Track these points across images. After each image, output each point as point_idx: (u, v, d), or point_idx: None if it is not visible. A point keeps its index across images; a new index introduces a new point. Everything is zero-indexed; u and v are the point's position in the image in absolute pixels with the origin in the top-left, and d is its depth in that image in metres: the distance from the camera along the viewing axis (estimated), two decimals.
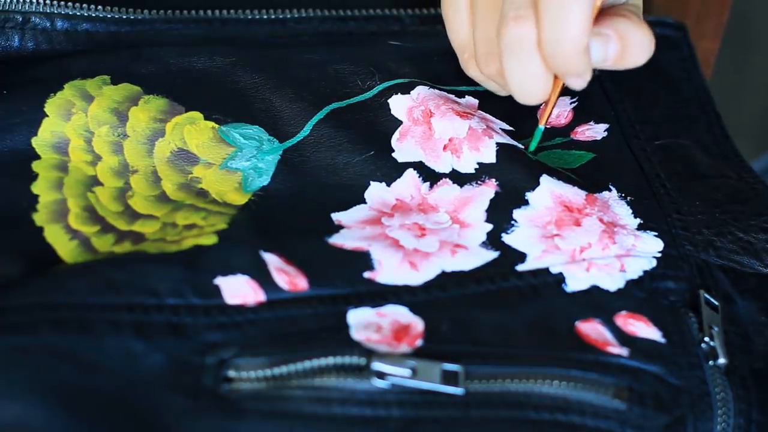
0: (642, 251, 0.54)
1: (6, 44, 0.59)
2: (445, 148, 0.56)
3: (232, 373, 0.47)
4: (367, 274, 0.51)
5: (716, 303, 0.53)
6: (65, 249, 0.51)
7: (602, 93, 0.62)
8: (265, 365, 0.48)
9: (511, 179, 0.55)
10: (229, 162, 0.56)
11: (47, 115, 0.55)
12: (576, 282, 0.52)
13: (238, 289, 0.49)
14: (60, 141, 0.55)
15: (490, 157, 0.56)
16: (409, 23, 0.63)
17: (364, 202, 0.55)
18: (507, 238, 0.54)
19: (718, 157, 0.60)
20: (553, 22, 0.49)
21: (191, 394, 0.47)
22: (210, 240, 0.51)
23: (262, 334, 0.49)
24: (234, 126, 0.57)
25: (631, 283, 0.53)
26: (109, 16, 0.60)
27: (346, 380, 0.48)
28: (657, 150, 0.59)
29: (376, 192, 0.55)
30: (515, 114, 0.59)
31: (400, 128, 0.57)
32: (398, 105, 0.58)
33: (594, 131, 0.59)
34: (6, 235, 0.51)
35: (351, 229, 0.53)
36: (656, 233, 0.55)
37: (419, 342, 0.49)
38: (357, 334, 0.49)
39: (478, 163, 0.56)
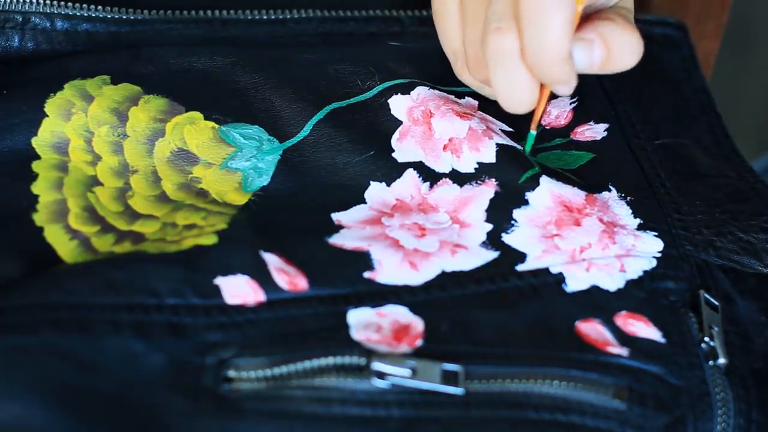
0: (642, 251, 0.54)
1: (6, 44, 0.59)
2: (445, 148, 0.56)
3: (232, 373, 0.47)
4: (367, 274, 0.51)
5: (716, 303, 0.53)
6: (65, 249, 0.51)
7: (602, 93, 0.62)
8: (265, 365, 0.48)
9: (511, 179, 0.55)
10: (229, 162, 0.56)
11: (47, 115, 0.55)
12: (576, 282, 0.52)
13: (238, 289, 0.49)
14: (60, 141, 0.55)
15: (490, 157, 0.56)
16: (409, 24, 0.63)
17: (364, 202, 0.55)
18: (507, 238, 0.54)
19: (719, 156, 0.60)
20: (533, 31, 0.49)
21: (191, 394, 0.47)
22: (210, 240, 0.51)
23: (262, 334, 0.49)
24: (234, 126, 0.57)
25: (631, 283, 0.53)
26: (109, 16, 0.60)
27: (346, 380, 0.48)
28: (657, 150, 0.59)
29: (376, 192, 0.55)
30: (515, 115, 0.59)
31: (400, 128, 0.57)
32: (398, 105, 0.58)
33: (594, 131, 0.59)
34: (6, 235, 0.51)
35: (351, 229, 0.53)
36: (656, 233, 0.55)
37: (419, 342, 0.49)
38: (357, 334, 0.49)
39: (478, 163, 0.56)
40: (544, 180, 0.55)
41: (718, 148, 0.61)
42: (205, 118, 0.57)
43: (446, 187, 0.55)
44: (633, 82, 0.62)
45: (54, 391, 0.45)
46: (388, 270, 0.52)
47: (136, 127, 0.56)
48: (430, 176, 0.56)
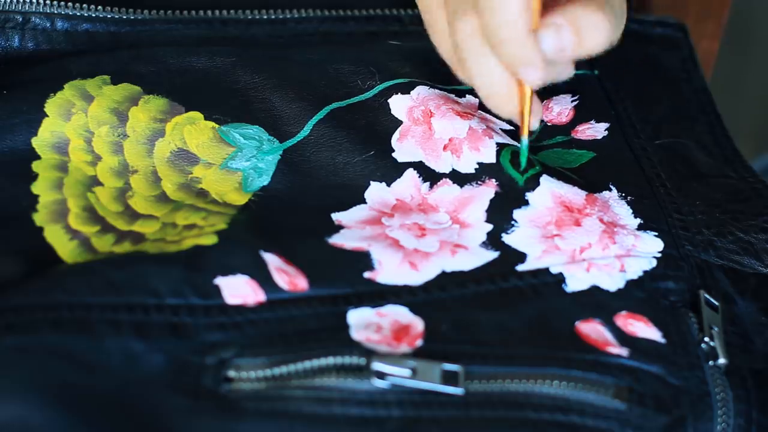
0: (642, 251, 0.54)
1: (6, 44, 0.59)
2: (445, 148, 0.56)
3: (232, 373, 0.47)
4: (367, 274, 0.51)
5: (716, 303, 0.53)
6: (65, 249, 0.51)
7: (603, 92, 0.62)
8: (265, 365, 0.48)
9: (511, 179, 0.55)
10: (229, 162, 0.56)
11: (47, 115, 0.55)
12: (576, 282, 0.52)
13: (238, 289, 0.49)
14: (60, 141, 0.55)
15: (490, 157, 0.56)
16: (409, 23, 0.63)
17: (364, 202, 0.55)
18: (507, 238, 0.54)
19: (719, 156, 0.60)
20: (489, 11, 0.50)
21: (191, 394, 0.47)
22: (210, 240, 0.51)
23: (262, 334, 0.49)
24: (234, 126, 0.57)
25: (631, 283, 0.53)
26: (109, 16, 0.60)
27: (346, 380, 0.48)
28: (657, 149, 0.59)
29: (376, 192, 0.55)
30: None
31: (400, 128, 0.57)
32: (398, 105, 0.58)
33: (594, 130, 0.59)
34: (6, 235, 0.51)
35: (351, 229, 0.53)
36: (656, 233, 0.55)
37: (419, 342, 0.49)
38: (357, 334, 0.49)
39: (478, 163, 0.56)
40: (545, 180, 0.55)
41: (718, 148, 0.61)
42: (205, 118, 0.57)
43: (446, 187, 0.55)
44: (633, 82, 0.62)
45: (54, 391, 0.45)
46: (388, 270, 0.52)
47: (136, 127, 0.56)
48: (430, 176, 0.56)
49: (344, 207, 0.54)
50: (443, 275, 0.52)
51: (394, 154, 0.56)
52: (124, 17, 0.60)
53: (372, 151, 0.56)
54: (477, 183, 0.55)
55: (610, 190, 0.56)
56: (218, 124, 0.56)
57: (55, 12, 0.59)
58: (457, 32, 0.52)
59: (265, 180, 0.55)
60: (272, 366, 0.48)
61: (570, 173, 0.57)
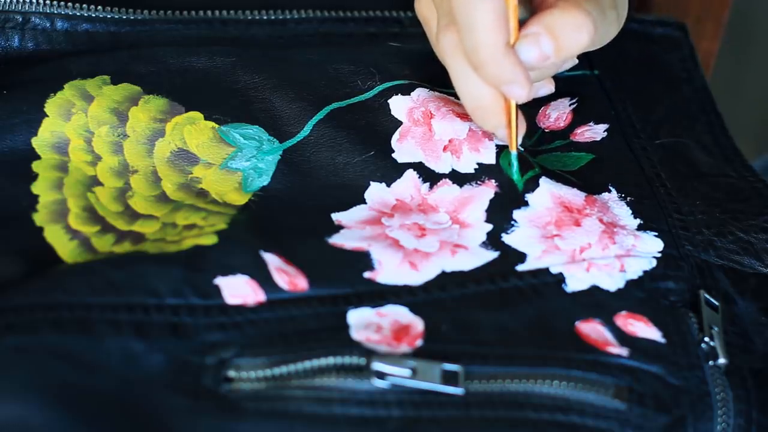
0: (642, 251, 0.54)
1: (6, 44, 0.59)
2: (445, 148, 0.56)
3: (232, 373, 0.47)
4: (367, 274, 0.51)
5: (716, 303, 0.53)
6: (65, 249, 0.51)
7: (602, 93, 0.62)
8: (265, 365, 0.48)
9: (511, 180, 0.55)
10: (229, 162, 0.56)
11: (47, 115, 0.55)
12: (576, 282, 0.52)
13: (238, 289, 0.49)
14: (60, 141, 0.55)
15: (489, 158, 0.56)
16: (408, 24, 0.63)
17: (364, 202, 0.55)
18: (507, 239, 0.54)
19: (719, 156, 0.60)
20: (465, 31, 0.50)
21: (191, 394, 0.47)
22: (210, 240, 0.51)
23: (262, 334, 0.49)
24: (234, 126, 0.57)
25: (631, 283, 0.53)
26: (109, 16, 0.60)
27: (346, 380, 0.48)
28: (657, 150, 0.59)
29: (376, 192, 0.55)
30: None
31: (400, 129, 0.57)
32: (398, 106, 0.58)
33: (594, 132, 0.59)
34: (6, 235, 0.51)
35: (351, 229, 0.53)
36: (656, 233, 0.55)
37: (419, 342, 0.49)
38: (357, 334, 0.49)
39: (478, 164, 0.56)
40: (544, 181, 0.55)
41: (718, 148, 0.61)
42: (205, 118, 0.57)
43: (446, 187, 0.55)
44: (633, 81, 0.62)
45: (54, 391, 0.45)
46: (388, 270, 0.52)
47: (136, 127, 0.56)
48: (429, 177, 0.56)
49: (344, 207, 0.54)
50: (443, 275, 0.52)
51: (394, 155, 0.56)
52: (124, 17, 0.60)
53: (372, 152, 0.56)
54: (477, 183, 0.55)
55: (610, 191, 0.56)
56: (218, 124, 0.56)
57: (55, 12, 0.59)
58: (441, 45, 0.52)
59: (265, 180, 0.55)
60: (272, 366, 0.48)
61: (569, 176, 0.57)
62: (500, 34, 0.50)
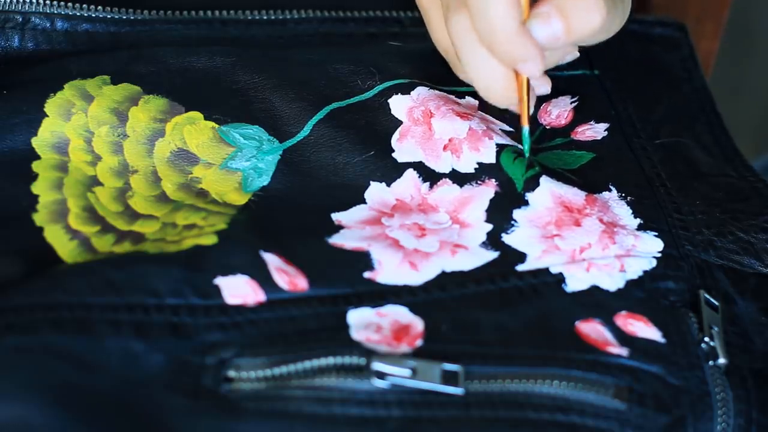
0: (642, 251, 0.54)
1: (6, 44, 0.59)
2: (445, 148, 0.56)
3: (232, 373, 0.47)
4: (367, 274, 0.51)
5: (716, 303, 0.53)
6: (65, 249, 0.51)
7: (603, 92, 0.62)
8: (265, 365, 0.48)
9: (511, 180, 0.55)
10: (229, 162, 0.56)
11: (47, 115, 0.55)
12: (576, 282, 0.52)
13: (238, 289, 0.49)
14: (60, 141, 0.55)
15: (490, 157, 0.56)
16: (408, 24, 0.63)
17: (364, 202, 0.55)
18: (507, 238, 0.54)
19: (719, 156, 0.60)
20: (479, 12, 0.50)
21: (191, 394, 0.47)
22: (210, 240, 0.51)
23: (262, 334, 0.49)
24: (234, 126, 0.57)
25: (631, 283, 0.53)
26: (109, 16, 0.60)
27: (346, 380, 0.48)
28: (657, 149, 0.59)
29: (376, 192, 0.55)
30: (515, 115, 0.59)
31: (400, 128, 0.57)
32: (398, 105, 0.58)
33: (594, 131, 0.59)
34: (6, 235, 0.51)
35: (351, 229, 0.53)
36: (656, 233, 0.55)
37: (419, 342, 0.49)
38: (357, 334, 0.49)
39: (478, 163, 0.56)
40: (544, 180, 0.55)
41: (718, 148, 0.61)
42: (205, 118, 0.57)
43: (446, 187, 0.55)
44: (633, 81, 0.62)
45: (54, 391, 0.45)
46: (388, 270, 0.52)
47: (136, 127, 0.56)
48: (430, 176, 0.56)
49: (344, 207, 0.54)
50: (443, 275, 0.52)
51: (394, 154, 0.56)
52: (124, 17, 0.60)
53: (372, 151, 0.56)
54: (477, 183, 0.55)
55: (610, 190, 0.56)
56: (218, 124, 0.56)
57: (55, 12, 0.59)
58: (452, 28, 0.52)
59: (265, 180, 0.55)
60: (272, 366, 0.48)
61: (570, 174, 0.57)
62: (513, 14, 0.50)
